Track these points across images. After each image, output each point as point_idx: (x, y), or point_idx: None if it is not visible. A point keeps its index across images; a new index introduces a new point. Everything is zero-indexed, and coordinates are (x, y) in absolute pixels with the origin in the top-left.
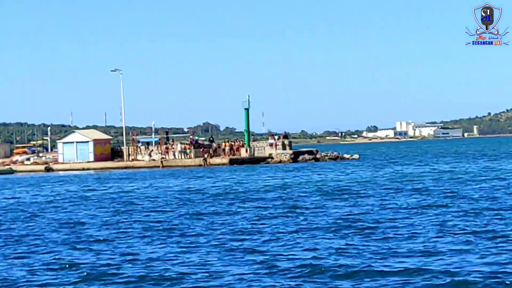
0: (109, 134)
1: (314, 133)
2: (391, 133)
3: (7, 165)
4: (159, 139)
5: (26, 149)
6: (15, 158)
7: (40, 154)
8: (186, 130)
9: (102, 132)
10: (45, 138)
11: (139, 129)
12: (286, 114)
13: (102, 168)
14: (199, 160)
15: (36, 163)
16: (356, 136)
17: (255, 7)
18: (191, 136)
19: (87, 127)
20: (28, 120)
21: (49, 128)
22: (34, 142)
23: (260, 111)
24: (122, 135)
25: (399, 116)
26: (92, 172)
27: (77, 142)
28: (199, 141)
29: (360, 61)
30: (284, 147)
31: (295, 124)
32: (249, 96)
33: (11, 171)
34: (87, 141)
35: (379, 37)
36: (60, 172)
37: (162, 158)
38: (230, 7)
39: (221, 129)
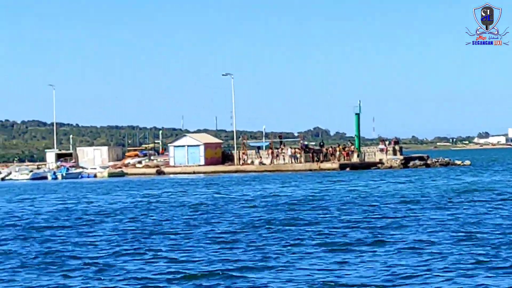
0: (219, 138)
1: (424, 139)
2: (503, 140)
3: (119, 167)
4: (270, 143)
5: (137, 152)
6: (127, 161)
7: (152, 157)
8: (296, 134)
9: (213, 135)
10: (156, 141)
11: (250, 133)
12: (396, 119)
13: (212, 172)
14: (309, 165)
15: (147, 166)
16: (467, 142)
17: (365, 11)
18: (301, 141)
19: (198, 131)
20: (140, 124)
21: (160, 131)
22: (146, 145)
23: (371, 116)
24: (233, 139)
25: None
26: (202, 175)
27: (188, 145)
28: (309, 146)
29: (472, 65)
30: (394, 153)
31: (405, 130)
32: (360, 101)
33: (123, 174)
34: (198, 145)
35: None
36: (171, 175)
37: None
38: (343, 11)
39: (331, 134)
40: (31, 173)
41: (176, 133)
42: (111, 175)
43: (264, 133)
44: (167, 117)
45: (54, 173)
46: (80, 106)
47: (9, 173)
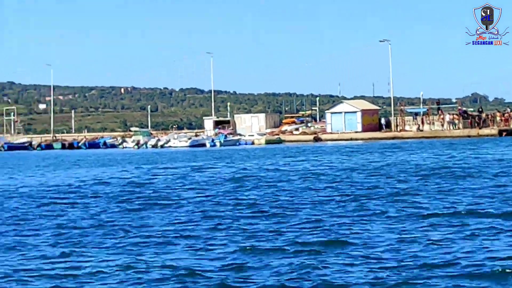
0: (376, 104)
1: None
2: None
3: (276, 134)
4: (427, 110)
5: (295, 119)
6: (284, 128)
7: (309, 124)
8: (454, 100)
9: (370, 102)
10: (313, 108)
11: (407, 100)
12: None
13: (369, 138)
14: (467, 131)
15: (304, 133)
16: None
17: None
18: (459, 107)
19: (355, 98)
20: (297, 91)
21: (317, 98)
22: (303, 112)
23: None
24: (390, 105)
25: None
26: (360, 142)
27: (345, 112)
28: (468, 112)
29: None
30: None
31: None
32: None
33: (280, 141)
34: (355, 111)
35: None
36: (328, 142)
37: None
38: None
39: (490, 99)
40: (189, 140)
41: (333, 100)
42: (268, 142)
43: (421, 100)
44: (324, 83)
45: (213, 140)
46: (238, 74)
47: (168, 140)
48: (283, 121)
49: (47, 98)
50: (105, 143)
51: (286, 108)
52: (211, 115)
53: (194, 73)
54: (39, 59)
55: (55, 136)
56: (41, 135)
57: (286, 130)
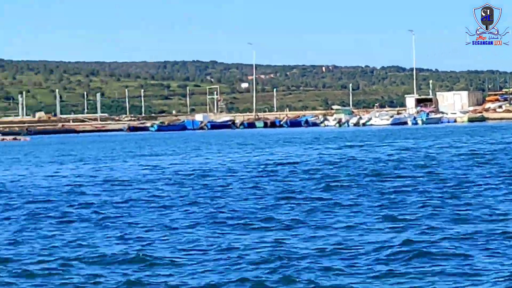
0: None
1: None
2: None
3: (479, 112)
4: None
5: (498, 97)
6: (487, 105)
7: None
8: None
9: None
10: None
11: None
12: None
13: None
14: None
15: (508, 111)
16: None
17: None
18: None
19: None
20: (500, 68)
21: None
22: (506, 90)
23: None
24: None
25: None
26: None
27: None
28: None
29: None
30: None
31: None
32: None
33: (483, 119)
34: None
35: None
36: None
37: None
38: None
39: None
40: (391, 119)
41: None
42: (471, 120)
43: None
44: None
45: (414, 118)
46: (440, 51)
47: (370, 119)
48: (486, 98)
49: (249, 77)
50: (306, 121)
51: (489, 86)
52: (413, 93)
53: (395, 51)
54: (242, 38)
55: (257, 115)
56: (244, 114)
57: (489, 107)
